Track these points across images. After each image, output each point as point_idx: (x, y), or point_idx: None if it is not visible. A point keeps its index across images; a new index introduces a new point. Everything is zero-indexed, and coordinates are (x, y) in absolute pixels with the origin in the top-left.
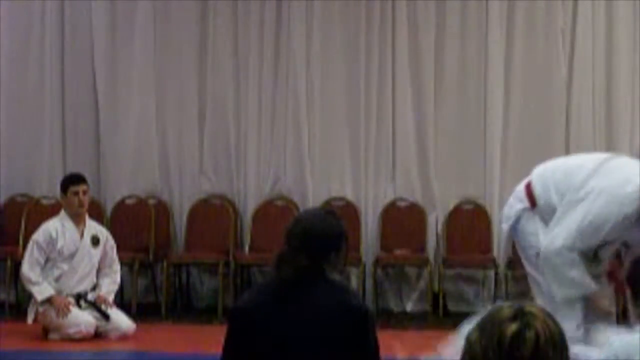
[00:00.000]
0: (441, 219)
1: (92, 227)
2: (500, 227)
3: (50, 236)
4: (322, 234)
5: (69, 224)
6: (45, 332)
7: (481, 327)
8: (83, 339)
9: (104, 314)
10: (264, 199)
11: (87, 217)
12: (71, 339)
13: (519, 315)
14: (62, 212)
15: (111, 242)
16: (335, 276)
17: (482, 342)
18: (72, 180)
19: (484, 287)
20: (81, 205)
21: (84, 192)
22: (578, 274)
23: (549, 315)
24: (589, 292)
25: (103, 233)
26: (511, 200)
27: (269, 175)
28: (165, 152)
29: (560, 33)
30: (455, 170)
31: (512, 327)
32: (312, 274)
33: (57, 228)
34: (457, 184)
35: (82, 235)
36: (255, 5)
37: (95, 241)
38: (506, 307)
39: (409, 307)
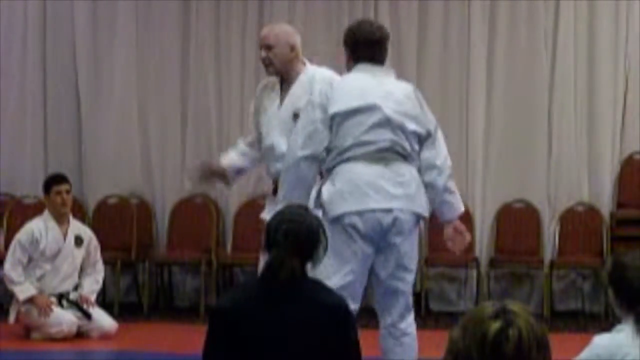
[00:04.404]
0: None
1: (76, 227)
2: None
3: (33, 236)
4: (308, 232)
5: (52, 224)
6: (27, 332)
7: (464, 325)
8: (65, 339)
9: (86, 314)
10: (246, 198)
11: (70, 217)
12: (53, 339)
13: (502, 313)
14: (46, 212)
15: (95, 243)
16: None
17: (464, 341)
18: (54, 180)
19: (466, 286)
20: (64, 204)
21: (67, 192)
22: None
23: (532, 314)
24: None
25: (87, 233)
26: None
27: (251, 175)
28: (147, 151)
29: (542, 33)
30: None
31: (495, 325)
32: (299, 273)
33: (40, 228)
34: None
35: (65, 235)
36: (237, 5)
37: (78, 241)
38: (489, 306)
39: None
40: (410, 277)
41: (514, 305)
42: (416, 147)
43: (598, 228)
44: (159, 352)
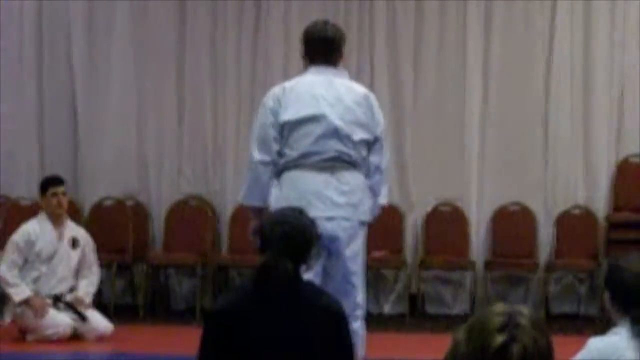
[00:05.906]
0: (419, 221)
1: (72, 228)
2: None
3: (29, 237)
4: (301, 235)
5: (48, 226)
6: (22, 334)
7: (469, 329)
8: (60, 341)
9: (81, 315)
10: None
11: (66, 218)
12: (48, 340)
13: (508, 326)
14: (41, 214)
15: (91, 245)
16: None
17: (467, 345)
18: (51, 182)
19: (462, 289)
20: (60, 206)
21: (63, 194)
22: None
23: (539, 327)
24: None
25: (83, 235)
26: None
27: None
28: (143, 153)
29: (539, 35)
30: (433, 172)
31: (499, 339)
32: (292, 275)
33: (35, 229)
34: (435, 186)
35: (61, 237)
36: (233, 5)
37: (74, 243)
38: (496, 315)
39: (387, 309)
40: (356, 279)
41: (522, 317)
42: (364, 153)
43: (594, 231)
44: (154, 354)
